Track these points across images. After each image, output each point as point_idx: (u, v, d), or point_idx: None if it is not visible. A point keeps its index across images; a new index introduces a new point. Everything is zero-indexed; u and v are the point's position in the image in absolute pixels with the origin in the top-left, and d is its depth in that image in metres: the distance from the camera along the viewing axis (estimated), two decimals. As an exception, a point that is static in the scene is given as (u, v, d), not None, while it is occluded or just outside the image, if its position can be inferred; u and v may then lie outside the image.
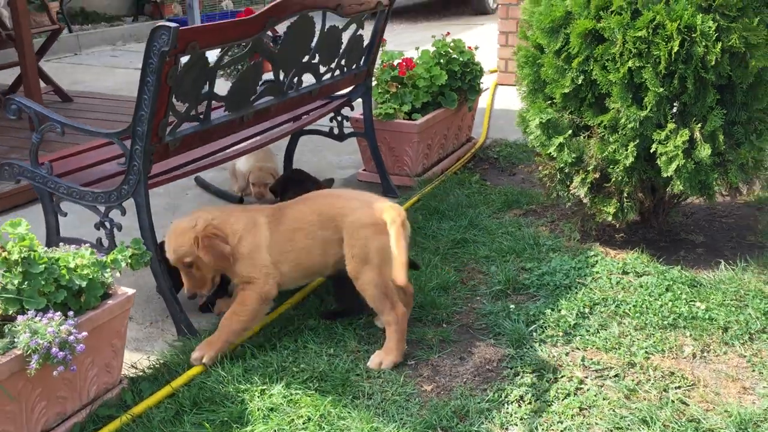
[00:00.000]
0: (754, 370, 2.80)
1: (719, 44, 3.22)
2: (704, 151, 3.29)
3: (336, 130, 4.68)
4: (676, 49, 3.23)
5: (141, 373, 2.85)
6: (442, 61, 4.90)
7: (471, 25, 11.54)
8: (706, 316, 3.11)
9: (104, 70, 9.17)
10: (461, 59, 4.94)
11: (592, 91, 3.57)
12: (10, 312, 2.39)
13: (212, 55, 3.09)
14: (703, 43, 3.23)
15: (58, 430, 2.49)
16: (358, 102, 4.57)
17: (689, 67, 3.27)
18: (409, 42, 8.91)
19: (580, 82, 3.55)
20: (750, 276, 3.41)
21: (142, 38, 11.45)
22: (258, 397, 2.69)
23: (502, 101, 6.77)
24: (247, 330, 3.00)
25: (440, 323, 3.20)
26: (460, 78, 4.94)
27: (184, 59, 2.85)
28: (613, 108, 3.47)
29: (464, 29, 10.65)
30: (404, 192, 4.64)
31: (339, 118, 4.63)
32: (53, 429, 2.49)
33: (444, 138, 5.02)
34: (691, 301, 3.24)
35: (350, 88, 4.47)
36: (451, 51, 4.94)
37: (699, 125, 3.33)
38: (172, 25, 2.63)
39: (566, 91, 3.60)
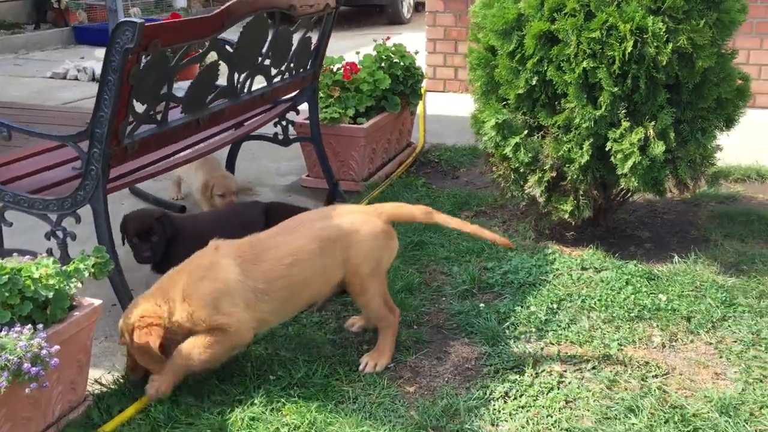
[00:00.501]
0: (721, 357, 2.90)
1: (669, 45, 3.33)
2: (658, 148, 3.39)
3: (281, 135, 4.57)
4: (629, 49, 3.33)
5: (106, 390, 2.67)
6: (384, 65, 4.89)
7: (388, 35, 11.58)
8: (669, 307, 3.20)
9: (8, 79, 8.70)
10: (403, 63, 4.94)
11: (546, 91, 3.62)
12: (-30, 328, 2.19)
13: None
14: (655, 44, 3.34)
15: (22, 454, 2.30)
16: (303, 107, 4.49)
17: (642, 67, 3.37)
18: (329, 51, 8.85)
19: (534, 83, 3.60)
20: (702, 268, 3.54)
21: (45, 46, 10.94)
22: (237, 407, 2.57)
23: (432, 107, 6.78)
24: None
25: (411, 325, 3.15)
26: (402, 82, 4.93)
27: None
28: (567, 108, 3.53)
29: (381, 38, 10.68)
30: (351, 197, 4.57)
31: (284, 123, 4.53)
32: (17, 454, 2.30)
33: (387, 142, 5.00)
34: (651, 293, 3.32)
35: (295, 93, 4.38)
36: (392, 55, 4.93)
37: (651, 123, 3.43)
38: (137, 20, 2.49)
39: (520, 92, 3.65)
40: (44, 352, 2.13)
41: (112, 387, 2.68)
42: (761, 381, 2.73)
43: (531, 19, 3.56)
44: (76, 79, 8.61)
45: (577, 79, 3.45)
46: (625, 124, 3.44)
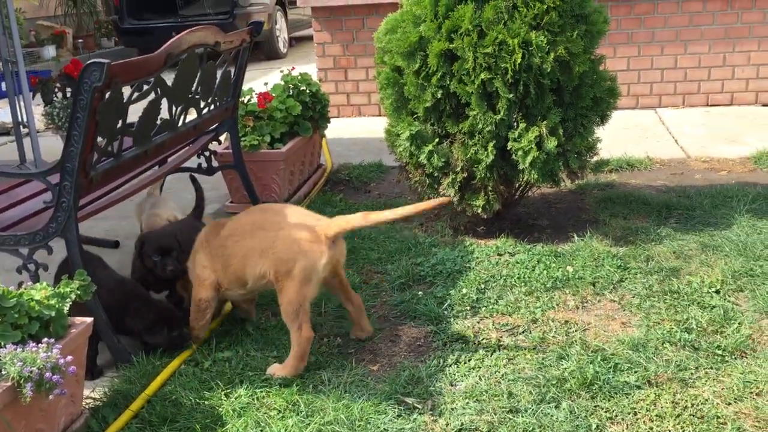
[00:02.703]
0: (625, 310, 3.45)
1: (551, 54, 3.91)
2: (551, 143, 3.96)
3: (205, 165, 4.85)
4: (519, 60, 3.88)
5: (99, 402, 2.88)
6: (292, 92, 5.27)
7: (270, 69, 11.94)
8: (576, 276, 3.75)
9: None
10: (309, 90, 5.33)
11: (450, 103, 4.13)
12: (-18, 350, 2.39)
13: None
14: (539, 55, 3.91)
15: (38, 464, 2.50)
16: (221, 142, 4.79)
17: (530, 75, 3.93)
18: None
19: (439, 96, 4.09)
20: (596, 243, 4.12)
21: None
22: (225, 400, 2.86)
23: (331, 132, 7.20)
24: None
25: (360, 317, 3.53)
26: (311, 107, 5.33)
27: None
28: (471, 115, 4.04)
29: (265, 73, 11.03)
30: (276, 217, 4.89)
31: (207, 154, 4.81)
32: (33, 464, 2.49)
33: (302, 164, 5.37)
34: (560, 267, 3.86)
35: (216, 125, 4.67)
36: (299, 83, 5.32)
37: (543, 123, 3.99)
38: (104, 61, 2.77)
39: (428, 105, 4.13)
40: (61, 361, 2.35)
41: (104, 400, 2.90)
42: (659, 324, 3.29)
43: (431, 40, 4.06)
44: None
45: (477, 90, 3.97)
46: (522, 125, 3.99)
